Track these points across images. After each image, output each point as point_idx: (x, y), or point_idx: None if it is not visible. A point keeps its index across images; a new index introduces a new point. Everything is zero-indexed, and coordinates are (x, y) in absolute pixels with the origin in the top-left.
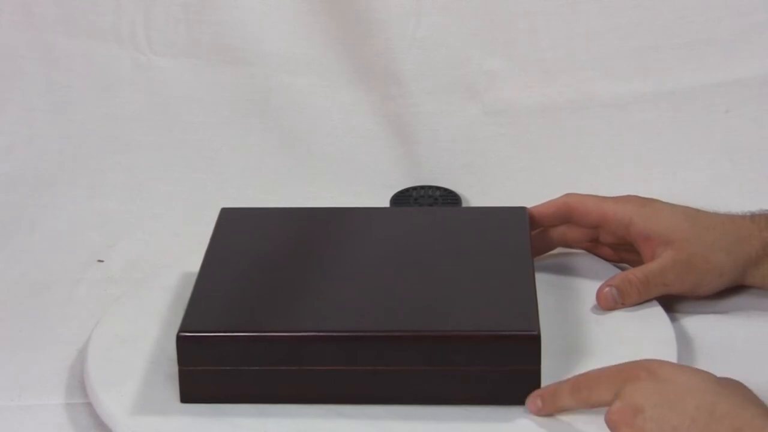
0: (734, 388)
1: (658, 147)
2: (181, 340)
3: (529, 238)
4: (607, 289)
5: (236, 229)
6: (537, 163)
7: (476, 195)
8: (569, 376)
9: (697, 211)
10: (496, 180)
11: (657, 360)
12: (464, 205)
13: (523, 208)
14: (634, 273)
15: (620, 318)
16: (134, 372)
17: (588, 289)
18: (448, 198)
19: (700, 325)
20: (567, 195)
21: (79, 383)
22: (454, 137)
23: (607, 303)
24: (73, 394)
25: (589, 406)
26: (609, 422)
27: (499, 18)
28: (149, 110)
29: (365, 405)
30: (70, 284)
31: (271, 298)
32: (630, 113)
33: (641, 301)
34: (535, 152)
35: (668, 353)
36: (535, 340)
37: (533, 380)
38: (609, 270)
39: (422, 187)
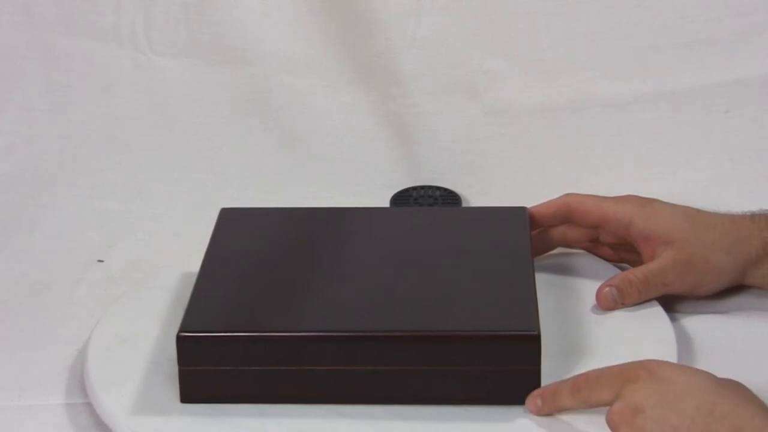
0: (734, 388)
1: (658, 147)
2: (181, 340)
3: (529, 238)
4: (607, 289)
5: (236, 229)
6: (537, 163)
7: (476, 195)
8: (569, 376)
9: (697, 211)
10: (496, 180)
11: (657, 360)
12: (464, 205)
13: (523, 208)
14: (634, 273)
15: (620, 318)
16: (134, 372)
17: (588, 289)
18: (448, 198)
19: (700, 325)
20: (567, 195)
21: (79, 383)
22: (454, 137)
23: (607, 303)
24: (73, 394)
25: (588, 406)
26: (609, 422)
27: (499, 18)
28: (149, 110)
29: (365, 405)
30: (70, 284)
31: (271, 298)
32: (630, 113)
33: (641, 301)
34: (535, 152)
35: (668, 353)
36: (535, 340)
37: (533, 380)
38: (609, 270)
39: (422, 187)
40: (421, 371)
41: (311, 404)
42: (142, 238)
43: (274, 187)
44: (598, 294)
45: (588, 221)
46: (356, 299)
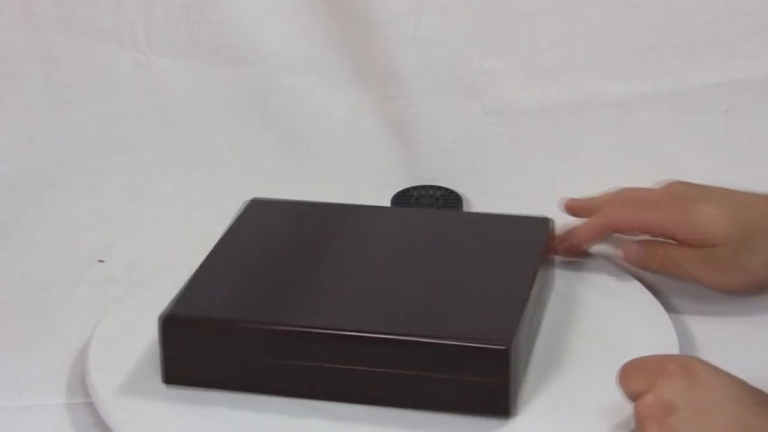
0: (765, 399)
1: (658, 147)
2: (163, 323)
3: (540, 249)
4: (635, 245)
5: (255, 220)
6: (537, 163)
7: (477, 195)
8: (567, 376)
9: (742, 201)
10: (497, 180)
11: (695, 358)
12: (464, 205)
13: (547, 219)
14: (666, 248)
15: (620, 318)
16: (135, 372)
17: (592, 292)
18: (449, 198)
19: (701, 325)
20: (603, 217)
21: (79, 383)
22: (454, 137)
23: (630, 257)
24: (74, 394)
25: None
26: (637, 414)
27: (499, 18)
28: (149, 110)
29: (347, 405)
30: (70, 284)
31: (262, 290)
32: (630, 113)
33: (658, 272)
34: (535, 152)
35: (669, 353)
36: (502, 354)
37: (502, 393)
38: (625, 279)
39: (423, 187)
40: (393, 374)
41: (288, 398)
42: (142, 238)
43: (274, 187)
44: (626, 246)
45: (631, 233)
46: (346, 298)
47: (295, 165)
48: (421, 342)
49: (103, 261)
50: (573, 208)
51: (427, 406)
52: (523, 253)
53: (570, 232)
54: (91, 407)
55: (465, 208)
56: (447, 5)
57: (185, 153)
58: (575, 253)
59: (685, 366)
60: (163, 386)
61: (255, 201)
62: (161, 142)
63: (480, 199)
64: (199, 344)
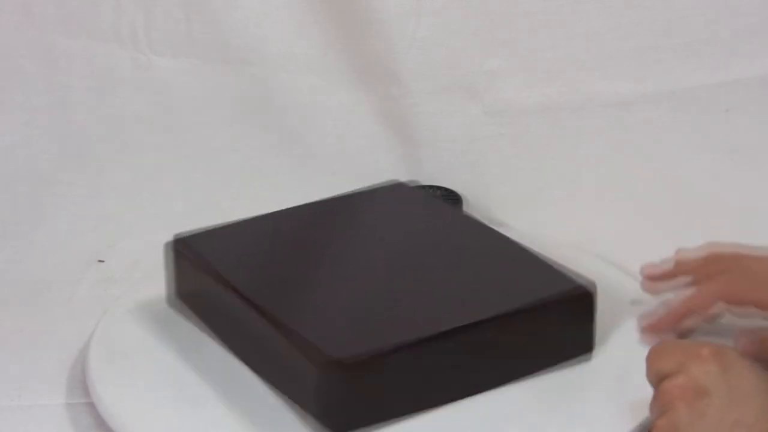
0: None
1: (658, 147)
2: (166, 245)
3: (536, 301)
4: (749, 340)
5: (360, 198)
6: (537, 163)
7: (477, 195)
8: (567, 374)
9: None
10: (497, 180)
11: (728, 347)
12: (464, 205)
13: (587, 293)
14: None
15: (620, 318)
16: (135, 372)
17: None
18: (449, 198)
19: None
20: (719, 286)
21: (79, 383)
22: (454, 137)
23: (744, 347)
24: (74, 394)
25: (650, 376)
26: (665, 393)
27: (499, 18)
28: (149, 110)
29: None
30: (70, 284)
31: (262, 258)
32: (630, 113)
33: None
34: (535, 152)
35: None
36: (330, 366)
37: (334, 408)
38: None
39: (423, 187)
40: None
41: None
42: (142, 238)
43: (274, 187)
44: (742, 340)
45: (743, 306)
46: (303, 286)
47: (295, 165)
48: (287, 327)
49: (103, 261)
50: (654, 275)
51: (293, 398)
52: (513, 296)
53: (674, 303)
54: (91, 407)
55: (465, 208)
56: (447, 5)
57: (185, 153)
58: (668, 328)
59: (720, 353)
60: (162, 387)
61: (393, 183)
62: (161, 142)
63: (480, 200)
64: (192, 278)
